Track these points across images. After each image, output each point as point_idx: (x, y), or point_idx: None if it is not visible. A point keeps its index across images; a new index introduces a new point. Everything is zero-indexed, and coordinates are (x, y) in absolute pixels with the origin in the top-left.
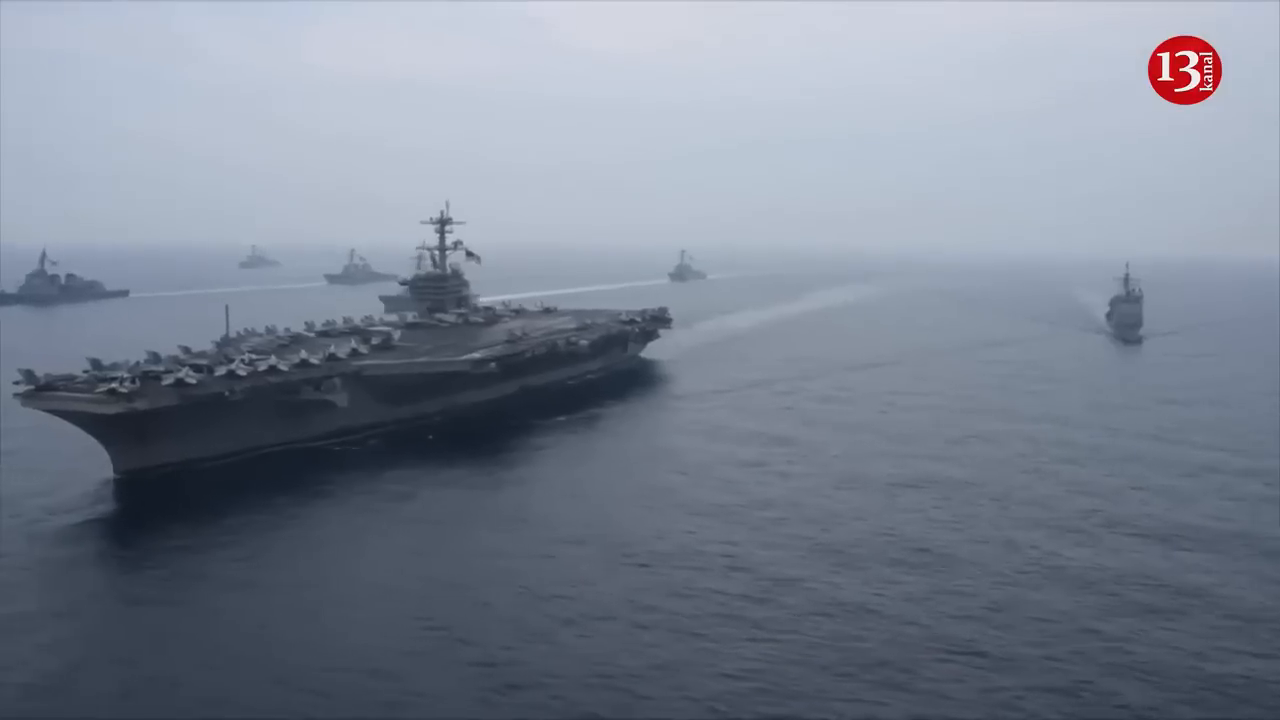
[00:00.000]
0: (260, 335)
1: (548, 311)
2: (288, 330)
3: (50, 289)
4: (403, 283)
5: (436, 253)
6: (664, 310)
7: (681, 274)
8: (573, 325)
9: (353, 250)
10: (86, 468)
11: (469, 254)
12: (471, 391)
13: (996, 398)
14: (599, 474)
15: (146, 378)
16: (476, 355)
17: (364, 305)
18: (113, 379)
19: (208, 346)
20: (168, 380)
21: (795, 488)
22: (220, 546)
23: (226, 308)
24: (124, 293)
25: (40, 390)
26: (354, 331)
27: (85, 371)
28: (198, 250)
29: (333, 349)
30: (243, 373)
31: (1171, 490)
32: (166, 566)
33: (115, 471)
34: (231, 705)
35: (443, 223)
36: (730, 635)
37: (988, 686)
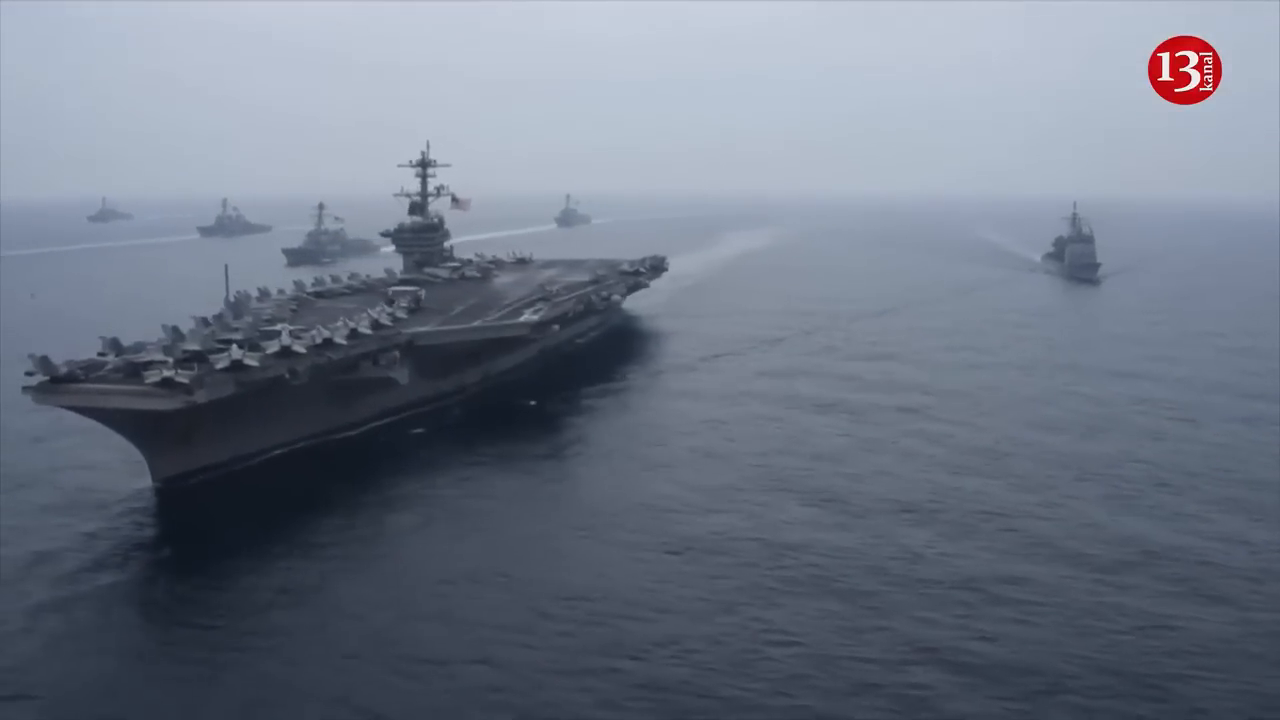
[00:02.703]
0: (254, 297)
1: (522, 262)
2: (282, 291)
3: None
4: (384, 234)
5: (418, 199)
6: (662, 259)
7: (568, 219)
8: (586, 277)
9: (225, 200)
10: (101, 478)
11: (454, 200)
12: (502, 358)
13: (1038, 351)
14: (727, 472)
15: (194, 360)
16: (535, 317)
17: (247, 258)
18: (156, 364)
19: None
20: (221, 363)
21: (942, 471)
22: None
23: (226, 267)
24: None
25: (59, 383)
26: (354, 291)
27: (101, 354)
28: (39, 205)
29: (373, 315)
30: (300, 349)
31: None
32: (263, 628)
33: (154, 480)
34: None
35: (424, 165)
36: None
37: None
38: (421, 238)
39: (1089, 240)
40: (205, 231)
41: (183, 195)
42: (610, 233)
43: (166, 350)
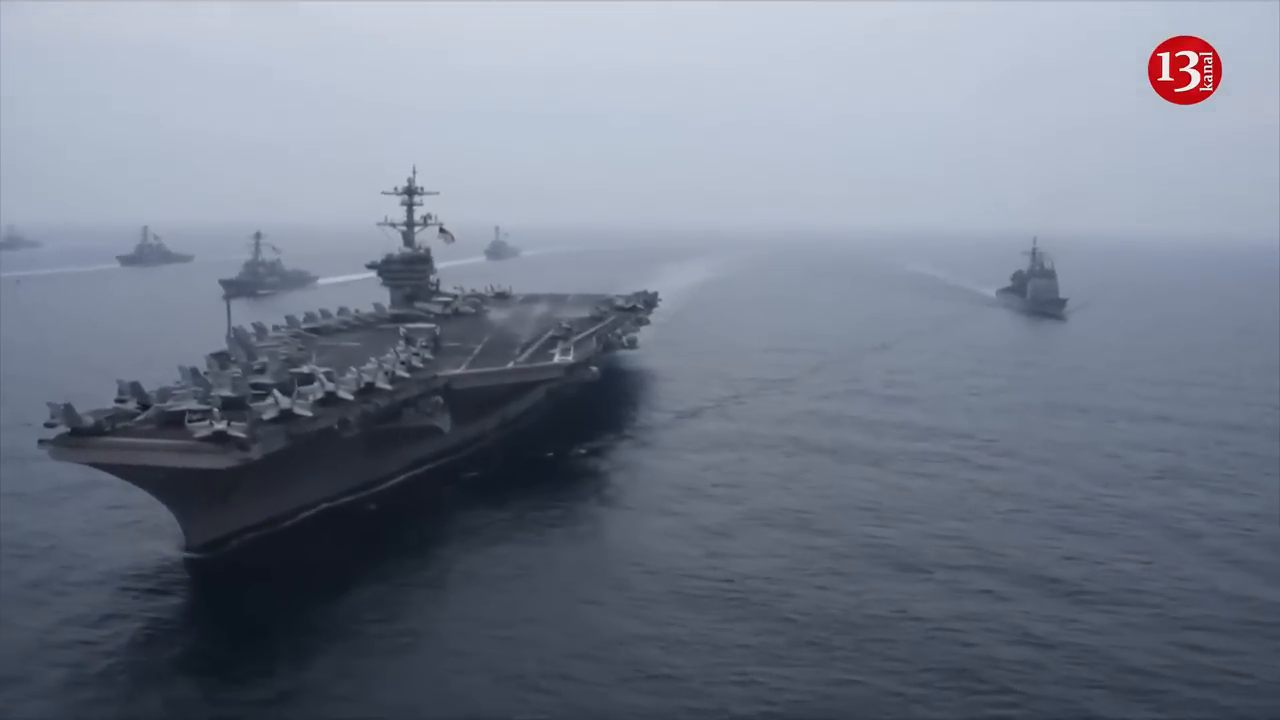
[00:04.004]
0: (252, 334)
1: (502, 297)
2: (278, 328)
3: None
4: (370, 265)
5: (405, 229)
6: (655, 294)
7: (497, 251)
8: (587, 312)
9: (145, 228)
10: (121, 545)
11: (442, 230)
12: (515, 402)
13: (1052, 392)
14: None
15: (233, 409)
16: (569, 358)
17: (180, 290)
18: (194, 414)
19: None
20: (268, 413)
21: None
22: None
23: (228, 301)
24: None
25: (82, 435)
26: (352, 327)
27: (120, 400)
28: None
29: (402, 356)
30: (346, 395)
31: None
32: None
33: (189, 546)
34: None
35: (410, 192)
36: None
37: None
38: (413, 270)
39: (1051, 275)
40: (125, 260)
41: (94, 222)
42: (543, 266)
43: (201, 398)
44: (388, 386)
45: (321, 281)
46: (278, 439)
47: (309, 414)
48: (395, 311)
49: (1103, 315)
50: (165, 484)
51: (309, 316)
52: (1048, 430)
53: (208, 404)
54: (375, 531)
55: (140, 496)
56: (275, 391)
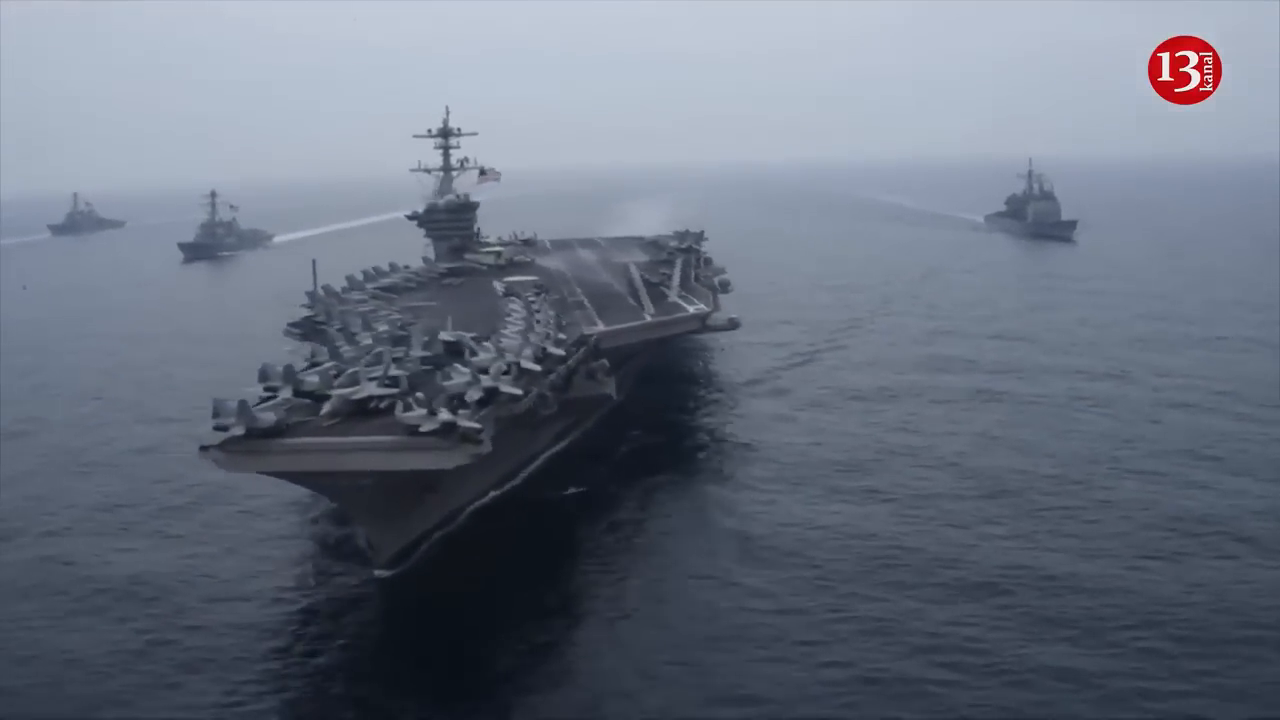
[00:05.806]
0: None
1: (528, 244)
2: (346, 288)
3: None
4: (410, 217)
5: (440, 175)
6: (700, 233)
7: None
8: (644, 258)
9: (75, 194)
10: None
11: (483, 172)
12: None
13: (1143, 317)
14: None
15: (423, 388)
16: (704, 307)
17: (132, 256)
18: (382, 400)
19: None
20: (473, 394)
21: None
22: None
23: (314, 261)
24: None
25: (258, 437)
26: (420, 285)
27: (269, 389)
28: None
29: (540, 316)
30: (531, 365)
31: None
32: None
33: (378, 565)
34: None
35: (445, 135)
36: None
37: None
38: (459, 219)
39: (1051, 197)
40: (56, 229)
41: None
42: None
43: (384, 382)
44: (560, 352)
45: (278, 239)
46: (489, 426)
47: (518, 392)
48: (448, 265)
49: (1105, 236)
50: (363, 493)
51: (368, 275)
52: (1195, 358)
53: (392, 386)
54: (555, 520)
55: (264, 505)
56: (459, 366)
